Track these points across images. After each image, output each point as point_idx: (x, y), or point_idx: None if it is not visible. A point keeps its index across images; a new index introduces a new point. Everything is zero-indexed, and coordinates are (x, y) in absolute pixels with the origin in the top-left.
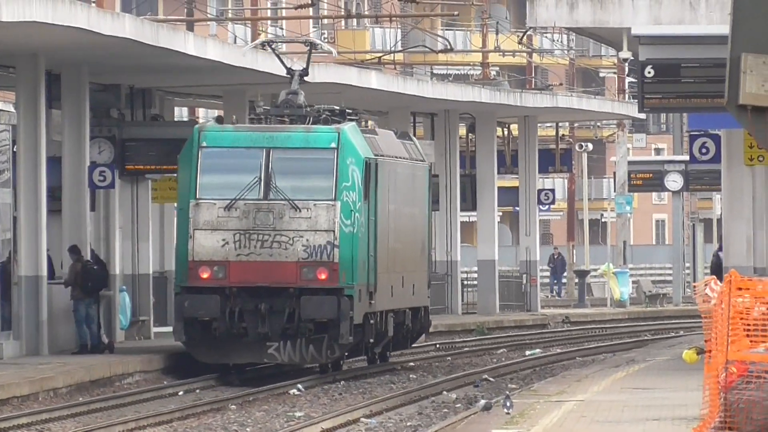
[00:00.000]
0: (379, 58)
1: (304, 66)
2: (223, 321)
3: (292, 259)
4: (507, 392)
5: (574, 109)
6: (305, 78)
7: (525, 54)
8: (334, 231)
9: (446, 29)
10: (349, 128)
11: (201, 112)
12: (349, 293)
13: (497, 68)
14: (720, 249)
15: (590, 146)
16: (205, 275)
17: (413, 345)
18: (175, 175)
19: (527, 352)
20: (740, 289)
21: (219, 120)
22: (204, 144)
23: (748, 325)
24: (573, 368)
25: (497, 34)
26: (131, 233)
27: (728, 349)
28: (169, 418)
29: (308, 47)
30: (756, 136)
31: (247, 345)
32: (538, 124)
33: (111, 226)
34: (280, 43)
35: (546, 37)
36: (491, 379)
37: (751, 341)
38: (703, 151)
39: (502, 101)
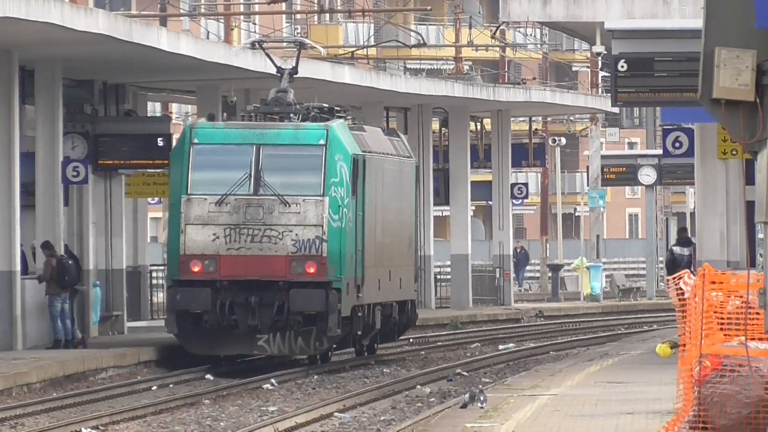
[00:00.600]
0: (352, 53)
1: (294, 65)
2: (214, 313)
3: (282, 253)
4: (480, 386)
5: (548, 104)
6: (294, 76)
7: (498, 48)
8: (322, 226)
9: (419, 24)
10: (337, 125)
11: (174, 107)
12: (337, 286)
13: (470, 63)
14: (676, 243)
15: (563, 140)
16: (196, 269)
17: (400, 338)
18: (148, 170)
19: (501, 347)
20: (714, 282)
21: (210, 117)
22: (195, 141)
23: (722, 318)
24: (546, 362)
25: (470, 28)
26: (105, 228)
27: (702, 342)
28: (143, 413)
29: (297, 47)
30: (729, 130)
31: (238, 337)
32: (512, 119)
33: (84, 222)
34: (270, 43)
35: (519, 31)
36: (465, 373)
37: (725, 335)
38: (677, 145)
39: (475, 96)
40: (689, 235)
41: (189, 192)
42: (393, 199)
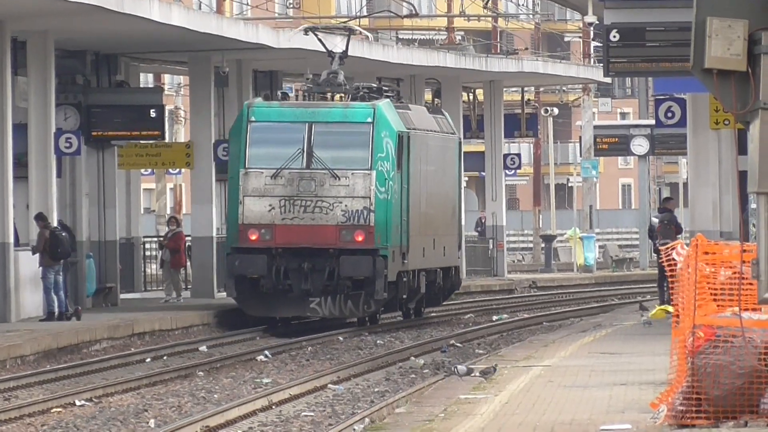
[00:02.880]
0: (344, 23)
1: (344, 49)
2: (269, 278)
3: (332, 222)
4: (494, 365)
5: (540, 74)
6: (343, 59)
7: (490, 19)
8: (369, 197)
9: None
10: (383, 104)
11: (166, 78)
12: (383, 253)
13: (462, 33)
14: (660, 210)
15: (556, 111)
16: (253, 237)
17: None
18: (141, 141)
19: (494, 318)
20: (707, 253)
21: (266, 97)
22: (252, 119)
23: (715, 289)
24: (540, 333)
25: None
26: (98, 200)
27: (695, 313)
28: (137, 384)
29: (347, 33)
30: (721, 100)
31: (292, 300)
32: (504, 89)
33: (77, 193)
34: (321, 30)
35: (511, 1)
36: (459, 344)
37: (718, 305)
38: (669, 115)
39: (468, 66)
40: (668, 205)
41: (247, 166)
42: (436, 172)
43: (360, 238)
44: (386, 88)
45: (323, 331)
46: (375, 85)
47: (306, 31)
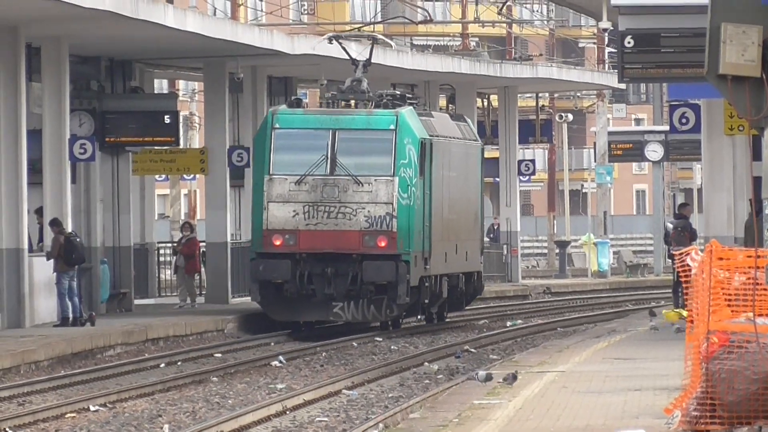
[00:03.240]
0: (359, 29)
1: (368, 57)
2: (293, 283)
3: (355, 228)
4: (514, 372)
5: (554, 80)
6: (366, 67)
7: (505, 25)
8: (392, 203)
9: (426, 0)
10: (406, 111)
11: (181, 84)
12: (405, 259)
13: (477, 39)
14: (677, 216)
15: (570, 117)
16: (277, 242)
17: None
18: (155, 147)
19: (508, 323)
20: (721, 259)
21: (290, 104)
22: (277, 126)
23: (729, 295)
24: (554, 339)
25: (477, 4)
26: (112, 206)
27: (709, 319)
28: (151, 390)
29: (371, 41)
30: (736, 106)
31: (315, 304)
32: (518, 95)
33: (92, 199)
34: (345, 38)
35: (526, 7)
36: (473, 350)
37: (732, 311)
38: (683, 121)
39: (482, 72)
40: (684, 211)
41: (271, 172)
42: (459, 178)
43: (383, 244)
44: (410, 96)
45: (347, 335)
46: (399, 93)
47: (330, 39)
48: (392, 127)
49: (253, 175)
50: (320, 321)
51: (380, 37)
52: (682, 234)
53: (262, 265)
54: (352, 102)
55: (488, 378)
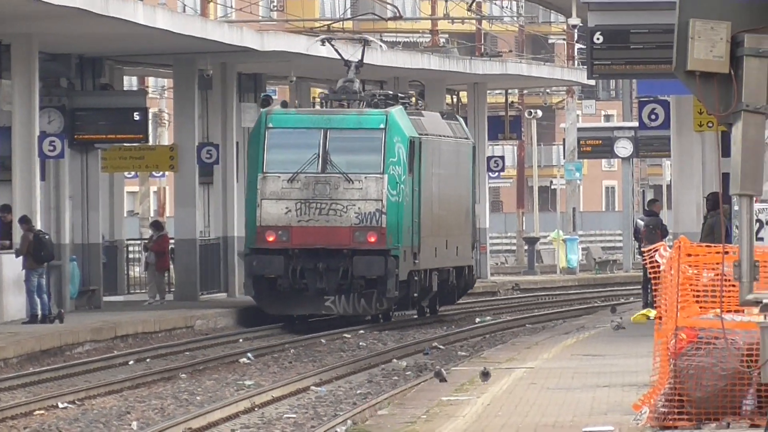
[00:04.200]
0: (329, 25)
1: (360, 59)
2: (286, 278)
3: (346, 224)
4: (439, 367)
5: (524, 76)
6: (359, 68)
7: (474, 21)
8: (382, 200)
9: None
10: (396, 111)
11: (151, 81)
12: (395, 254)
13: (447, 35)
14: (646, 213)
15: (540, 113)
16: (271, 238)
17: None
18: (124, 144)
19: (477, 320)
20: (689, 255)
21: (283, 104)
22: (270, 125)
23: (698, 291)
24: (523, 335)
25: (446, 1)
26: (81, 203)
27: (678, 315)
28: (120, 387)
29: (362, 43)
30: (704, 102)
31: (308, 298)
32: (488, 91)
33: (61, 196)
34: (337, 39)
35: (495, 4)
36: (441, 346)
37: (700, 307)
38: (653, 117)
39: (452, 68)
40: (654, 207)
41: (264, 170)
42: (449, 175)
43: (372, 239)
44: (402, 95)
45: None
46: (391, 92)
47: (323, 41)
48: (382, 126)
49: (248, 173)
50: (312, 314)
51: (371, 39)
52: (653, 231)
53: (256, 261)
54: (345, 102)
55: (439, 375)
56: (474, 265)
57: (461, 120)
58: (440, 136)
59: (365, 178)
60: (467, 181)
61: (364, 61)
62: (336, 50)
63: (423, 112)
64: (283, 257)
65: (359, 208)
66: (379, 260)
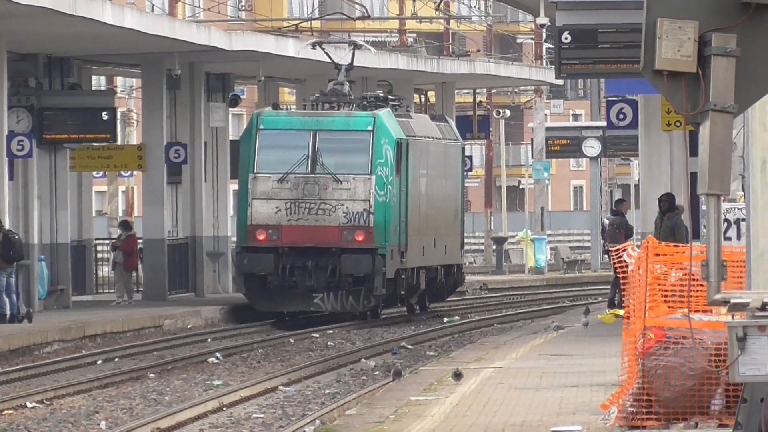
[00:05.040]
0: (296, 25)
1: (350, 62)
2: (276, 275)
3: (335, 223)
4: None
5: (492, 76)
6: (349, 71)
7: (442, 20)
8: (369, 200)
9: None
10: (383, 113)
11: (119, 80)
12: (382, 252)
13: (414, 35)
14: (613, 212)
15: (508, 112)
16: (261, 237)
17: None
18: (93, 143)
19: (445, 320)
20: (657, 255)
21: (274, 107)
22: (261, 127)
23: (666, 291)
24: (491, 335)
25: (414, 0)
26: (49, 202)
27: (646, 315)
28: (88, 386)
29: (352, 47)
30: (672, 102)
31: (297, 296)
32: (456, 91)
33: (29, 196)
34: (326, 43)
35: (463, 3)
36: (410, 346)
37: (669, 307)
38: (621, 116)
39: (420, 68)
40: (620, 207)
41: (255, 171)
42: (438, 176)
43: (360, 238)
44: (393, 98)
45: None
46: (381, 95)
47: (313, 45)
48: (370, 128)
49: (239, 173)
50: (303, 311)
51: (361, 43)
52: (617, 231)
53: (247, 259)
54: (336, 105)
55: (397, 373)
56: (463, 263)
57: (451, 121)
58: (428, 137)
59: (353, 178)
60: (456, 182)
61: (335, 62)
62: (327, 53)
63: (411, 114)
64: (273, 255)
65: (347, 207)
66: (366, 258)
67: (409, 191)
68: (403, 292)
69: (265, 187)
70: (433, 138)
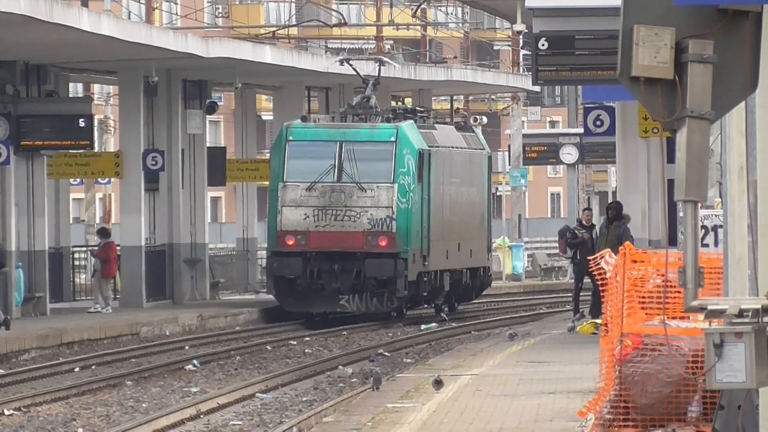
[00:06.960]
0: (274, 32)
1: (377, 76)
2: (304, 278)
3: (359, 229)
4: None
5: (469, 83)
6: (376, 85)
7: (419, 27)
8: (392, 207)
9: (340, 3)
10: (406, 125)
11: (96, 88)
12: (404, 256)
13: (392, 42)
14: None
15: (485, 119)
16: (290, 242)
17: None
18: (70, 150)
19: (423, 327)
20: (635, 261)
21: (303, 119)
22: (291, 138)
23: (643, 297)
24: (468, 342)
25: (391, 7)
26: (27, 209)
27: (623, 322)
28: (66, 394)
29: (378, 63)
30: (649, 108)
31: (324, 297)
32: (433, 98)
33: (6, 203)
34: (354, 59)
35: (440, 10)
36: (387, 353)
37: (646, 314)
38: (598, 123)
39: (396, 75)
40: (590, 218)
41: (285, 180)
42: (462, 184)
43: (383, 243)
44: (420, 110)
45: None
46: (409, 107)
47: (341, 62)
48: (393, 139)
49: (270, 182)
50: (331, 311)
51: (386, 60)
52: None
53: (277, 263)
54: (364, 117)
55: (377, 381)
56: (490, 266)
57: (478, 131)
58: (452, 147)
59: (377, 186)
60: (482, 189)
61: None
62: (354, 69)
63: (436, 125)
64: (301, 259)
65: (371, 214)
66: (389, 262)
67: (431, 198)
68: (425, 294)
69: (294, 195)
70: (457, 147)
